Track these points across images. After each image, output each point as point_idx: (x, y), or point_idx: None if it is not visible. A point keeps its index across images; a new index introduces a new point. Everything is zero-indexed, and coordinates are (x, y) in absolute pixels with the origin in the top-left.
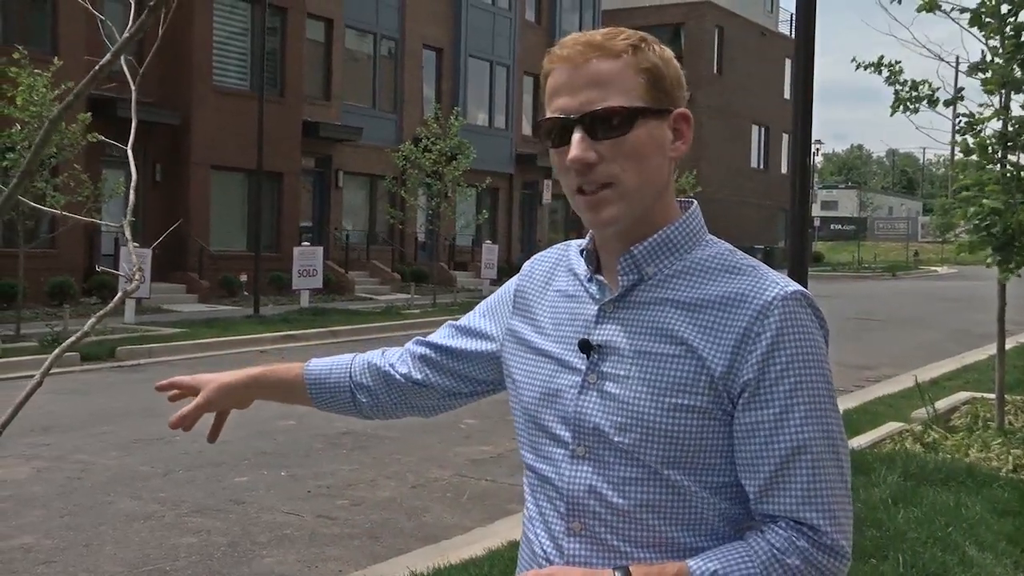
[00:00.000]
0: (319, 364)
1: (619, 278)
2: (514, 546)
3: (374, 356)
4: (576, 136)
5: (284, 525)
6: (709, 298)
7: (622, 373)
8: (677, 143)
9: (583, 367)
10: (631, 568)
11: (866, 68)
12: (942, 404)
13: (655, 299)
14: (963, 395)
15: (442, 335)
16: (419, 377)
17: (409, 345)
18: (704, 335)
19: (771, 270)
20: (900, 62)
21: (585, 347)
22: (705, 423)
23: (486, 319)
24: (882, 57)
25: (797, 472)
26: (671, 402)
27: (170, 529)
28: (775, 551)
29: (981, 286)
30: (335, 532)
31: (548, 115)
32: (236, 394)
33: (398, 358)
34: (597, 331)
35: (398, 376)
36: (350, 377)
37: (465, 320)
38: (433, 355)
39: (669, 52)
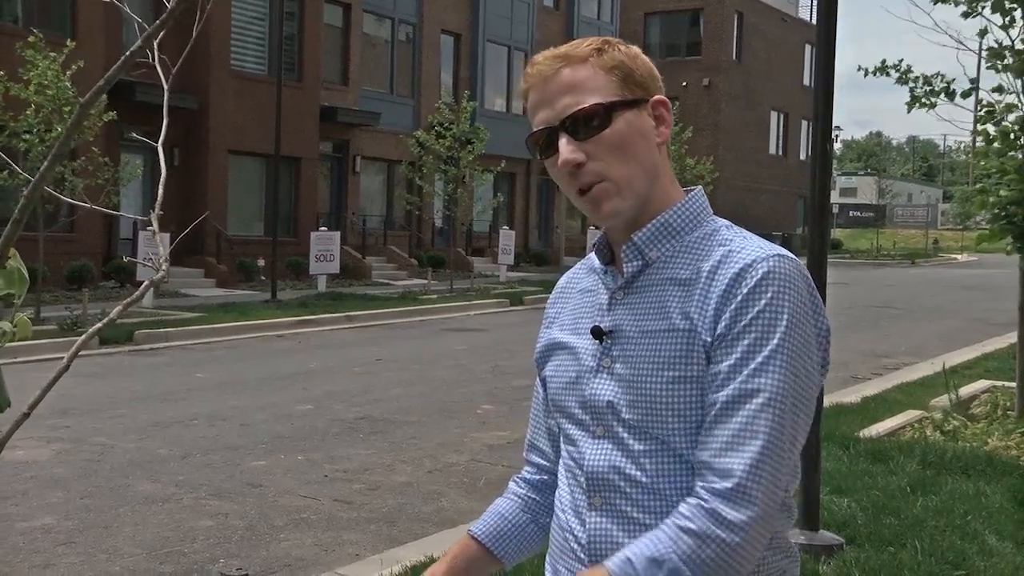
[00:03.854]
0: (485, 522)
1: (624, 265)
2: None
3: (518, 492)
4: (562, 141)
5: (301, 509)
6: (701, 271)
7: (629, 353)
8: (660, 128)
9: (598, 352)
10: None
11: (874, 73)
12: (961, 392)
13: (658, 280)
14: (983, 383)
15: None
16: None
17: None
18: (695, 306)
19: (761, 240)
20: (903, 60)
21: (597, 333)
22: (705, 392)
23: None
24: (884, 61)
25: (732, 419)
26: (671, 375)
27: (188, 512)
28: (679, 519)
29: (1001, 274)
30: (352, 516)
31: (534, 129)
32: None
33: (527, 480)
34: (608, 317)
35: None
36: (523, 511)
37: (531, 431)
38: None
39: (635, 49)
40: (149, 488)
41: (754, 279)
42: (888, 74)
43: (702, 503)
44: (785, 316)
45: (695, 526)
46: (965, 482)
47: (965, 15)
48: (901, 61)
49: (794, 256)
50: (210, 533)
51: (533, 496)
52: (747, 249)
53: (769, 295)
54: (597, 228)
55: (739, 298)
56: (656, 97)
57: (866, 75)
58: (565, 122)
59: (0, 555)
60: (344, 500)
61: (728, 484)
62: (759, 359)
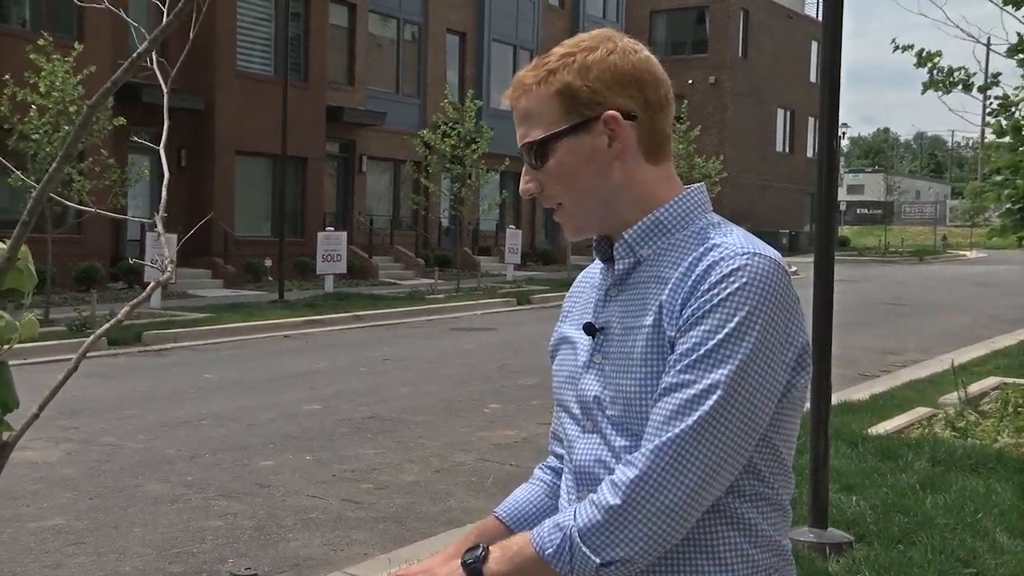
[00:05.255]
0: (509, 505)
1: (616, 263)
2: None
3: (544, 478)
4: (524, 169)
5: (309, 509)
6: (680, 268)
7: (613, 350)
8: (615, 144)
9: (591, 348)
10: (490, 547)
11: (903, 51)
12: (971, 389)
13: (646, 278)
14: (993, 380)
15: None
16: None
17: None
18: (667, 301)
19: (749, 238)
20: (940, 52)
21: (589, 329)
22: None
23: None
24: (912, 46)
25: (668, 405)
26: (644, 372)
27: (197, 512)
28: (592, 495)
29: (1011, 270)
30: (360, 516)
31: None
32: None
33: (552, 468)
34: (602, 314)
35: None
36: (547, 495)
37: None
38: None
39: (600, 54)
40: (158, 488)
41: (721, 273)
42: (913, 55)
43: (610, 476)
44: (745, 310)
45: (596, 495)
46: (975, 480)
47: None
48: (940, 52)
49: (777, 259)
50: (219, 533)
51: (557, 482)
52: (724, 245)
53: (733, 287)
54: None
55: (703, 289)
56: (607, 113)
57: (895, 50)
58: (521, 151)
59: (11, 555)
60: (352, 500)
61: (633, 456)
62: (707, 347)
